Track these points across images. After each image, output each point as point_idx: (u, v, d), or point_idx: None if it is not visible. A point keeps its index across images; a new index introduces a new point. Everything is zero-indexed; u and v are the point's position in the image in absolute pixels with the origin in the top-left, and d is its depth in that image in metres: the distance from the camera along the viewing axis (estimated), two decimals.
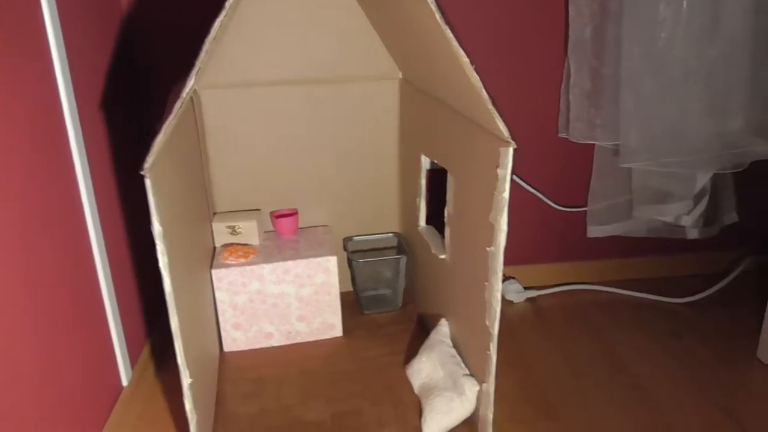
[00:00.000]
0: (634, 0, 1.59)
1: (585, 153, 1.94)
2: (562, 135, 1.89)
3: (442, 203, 1.52)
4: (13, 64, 1.03)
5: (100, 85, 1.44)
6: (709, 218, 1.94)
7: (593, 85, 1.77)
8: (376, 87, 1.79)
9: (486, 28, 1.77)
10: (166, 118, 0.97)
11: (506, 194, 1.10)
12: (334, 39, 1.72)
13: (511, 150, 1.08)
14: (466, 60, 1.04)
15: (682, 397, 1.53)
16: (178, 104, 0.95)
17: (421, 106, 1.59)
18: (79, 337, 1.24)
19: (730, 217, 1.97)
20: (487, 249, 1.18)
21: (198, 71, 0.98)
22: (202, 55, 0.96)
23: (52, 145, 1.17)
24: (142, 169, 0.94)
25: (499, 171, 1.11)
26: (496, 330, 1.18)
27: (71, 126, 1.24)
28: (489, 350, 1.22)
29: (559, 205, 1.99)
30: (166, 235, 1.02)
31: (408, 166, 1.79)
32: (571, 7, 1.72)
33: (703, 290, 1.98)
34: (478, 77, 1.06)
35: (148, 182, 0.94)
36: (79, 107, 1.28)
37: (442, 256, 1.52)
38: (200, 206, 1.56)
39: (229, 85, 1.70)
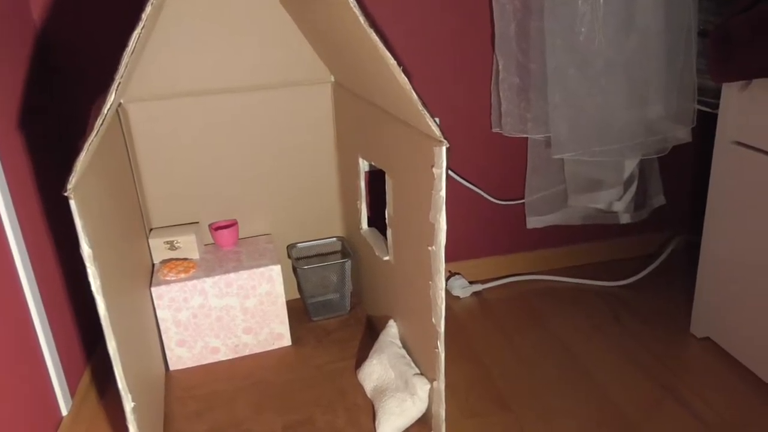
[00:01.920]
0: None
1: (519, 146, 1.99)
2: (495, 130, 1.93)
3: (383, 204, 1.53)
4: None
5: (17, 103, 1.38)
6: (638, 203, 2.03)
7: (521, 80, 1.82)
8: (308, 92, 1.78)
9: (413, 27, 1.79)
10: (88, 135, 0.93)
11: (443, 193, 1.11)
12: (263, 45, 1.70)
13: (444, 149, 1.10)
14: (393, 62, 1.05)
15: (625, 377, 1.59)
16: (99, 121, 0.91)
17: (355, 109, 1.60)
18: (9, 369, 1.18)
19: (658, 200, 2.06)
20: (429, 248, 1.19)
21: (119, 86, 0.95)
22: (122, 69, 0.93)
23: None
24: (65, 190, 0.90)
25: (434, 170, 1.12)
26: (442, 328, 1.19)
27: None
28: (437, 348, 1.23)
29: (497, 198, 2.03)
30: (97, 257, 0.98)
31: (346, 170, 1.79)
32: (494, 4, 1.75)
33: (638, 272, 2.06)
34: (406, 79, 1.07)
35: (72, 203, 0.90)
36: None
37: (386, 258, 1.53)
38: (134, 223, 1.51)
39: (156, 97, 1.65)
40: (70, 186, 0.90)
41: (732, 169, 1.51)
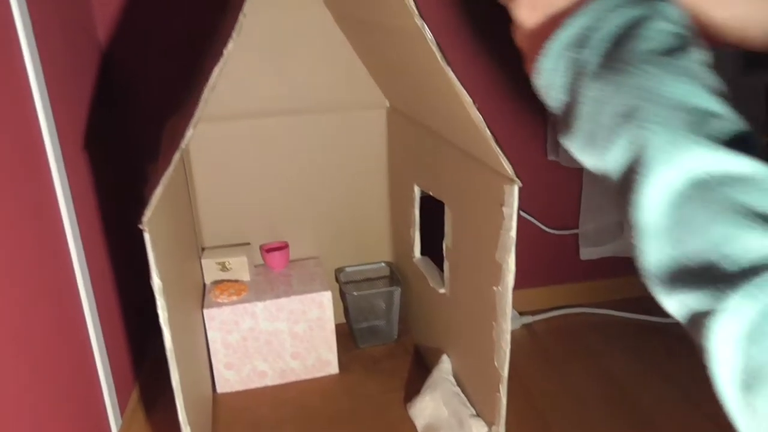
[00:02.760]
0: None
1: (574, 174, 1.94)
2: (551, 158, 1.89)
3: (432, 232, 1.49)
4: None
5: (83, 125, 1.39)
6: None
7: None
8: (363, 116, 1.76)
9: (459, 41, 1.75)
10: (163, 168, 0.93)
11: (513, 233, 1.08)
12: (319, 69, 1.69)
13: (516, 188, 1.07)
14: (468, 99, 1.02)
15: (681, 418, 1.52)
16: (177, 155, 0.91)
17: (412, 136, 1.57)
18: (66, 385, 1.18)
19: None
20: (495, 288, 1.16)
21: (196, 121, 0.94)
22: (201, 104, 0.93)
23: (36, 189, 1.12)
24: (140, 223, 0.90)
25: (504, 209, 1.09)
26: (506, 372, 1.15)
27: (55, 169, 1.18)
28: (499, 392, 1.19)
29: (550, 228, 1.99)
30: (165, 288, 0.98)
31: (399, 196, 1.77)
32: None
33: None
34: (480, 115, 1.04)
35: (147, 236, 0.90)
36: (63, 150, 1.23)
37: (442, 291, 1.49)
38: (190, 244, 1.51)
39: (214, 118, 1.65)
40: (145, 219, 0.89)
41: None
